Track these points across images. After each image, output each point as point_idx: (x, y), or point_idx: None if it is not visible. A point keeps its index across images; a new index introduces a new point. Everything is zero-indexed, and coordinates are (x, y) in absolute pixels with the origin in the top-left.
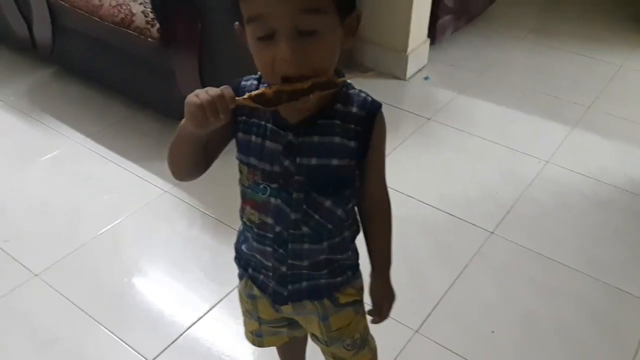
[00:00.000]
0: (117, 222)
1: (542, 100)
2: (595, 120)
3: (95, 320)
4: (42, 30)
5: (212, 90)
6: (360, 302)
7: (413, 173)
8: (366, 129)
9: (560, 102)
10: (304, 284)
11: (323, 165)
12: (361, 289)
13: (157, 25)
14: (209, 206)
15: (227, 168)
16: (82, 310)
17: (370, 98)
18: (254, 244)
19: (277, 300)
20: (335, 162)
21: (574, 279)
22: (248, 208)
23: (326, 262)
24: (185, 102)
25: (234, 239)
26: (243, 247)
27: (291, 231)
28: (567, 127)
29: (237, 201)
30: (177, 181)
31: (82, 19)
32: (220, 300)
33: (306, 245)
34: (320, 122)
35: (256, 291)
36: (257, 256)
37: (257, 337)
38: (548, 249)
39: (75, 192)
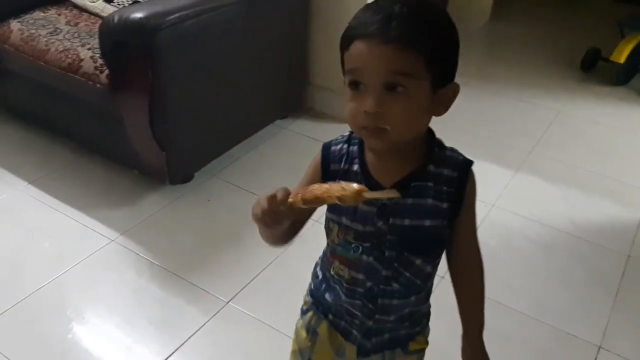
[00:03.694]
0: (62, 273)
1: (485, 145)
2: (536, 165)
3: None
4: None
5: (263, 201)
6: (424, 351)
7: None
8: (458, 189)
9: (502, 146)
10: (386, 335)
11: (416, 226)
12: (427, 337)
13: (107, 71)
14: (157, 256)
15: (177, 216)
16: None
17: (461, 157)
18: (343, 297)
19: (362, 351)
20: (427, 222)
21: (522, 323)
22: (337, 263)
23: (410, 314)
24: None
25: (183, 291)
26: (326, 295)
27: (382, 287)
28: (511, 171)
29: (187, 251)
30: (124, 230)
31: (27, 63)
32: (171, 355)
33: (395, 301)
34: (414, 185)
35: (321, 330)
36: (346, 306)
37: None
38: (496, 292)
39: (17, 242)
